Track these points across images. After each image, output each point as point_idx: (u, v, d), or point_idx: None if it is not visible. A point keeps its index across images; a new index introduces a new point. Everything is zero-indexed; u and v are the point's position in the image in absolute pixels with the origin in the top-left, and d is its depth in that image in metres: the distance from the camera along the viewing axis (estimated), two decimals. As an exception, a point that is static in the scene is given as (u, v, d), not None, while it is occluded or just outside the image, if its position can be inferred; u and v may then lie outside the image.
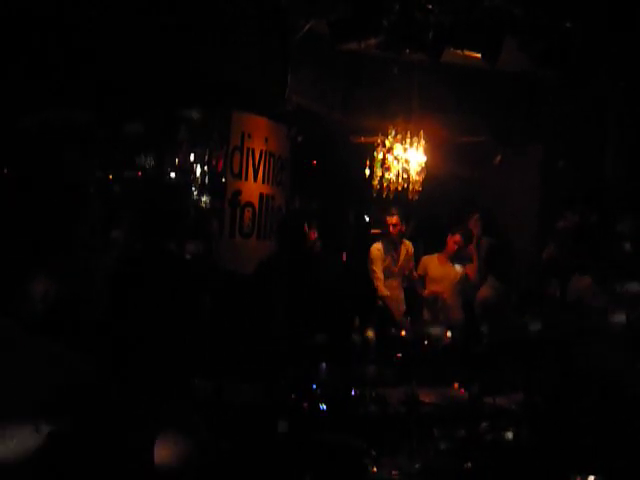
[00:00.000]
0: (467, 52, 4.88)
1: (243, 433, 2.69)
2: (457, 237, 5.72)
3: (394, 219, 5.71)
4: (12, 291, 1.28)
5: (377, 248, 5.81)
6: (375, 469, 2.68)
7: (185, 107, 5.51)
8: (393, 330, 4.74)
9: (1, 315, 1.23)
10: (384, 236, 5.91)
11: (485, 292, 4.84)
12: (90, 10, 4.23)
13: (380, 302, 5.50)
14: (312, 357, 3.33)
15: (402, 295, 5.83)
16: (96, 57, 4.36)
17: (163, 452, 1.45)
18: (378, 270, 5.67)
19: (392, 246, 5.82)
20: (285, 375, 3.18)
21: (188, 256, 3.88)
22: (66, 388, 1.19)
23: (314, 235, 5.47)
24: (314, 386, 3.14)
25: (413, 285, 5.94)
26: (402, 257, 5.87)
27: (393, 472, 2.68)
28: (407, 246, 5.90)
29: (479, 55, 4.85)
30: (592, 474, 2.23)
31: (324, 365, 3.25)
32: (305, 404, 3.02)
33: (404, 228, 5.82)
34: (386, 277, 5.72)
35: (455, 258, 5.80)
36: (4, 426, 1.13)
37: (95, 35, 4.29)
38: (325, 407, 3.03)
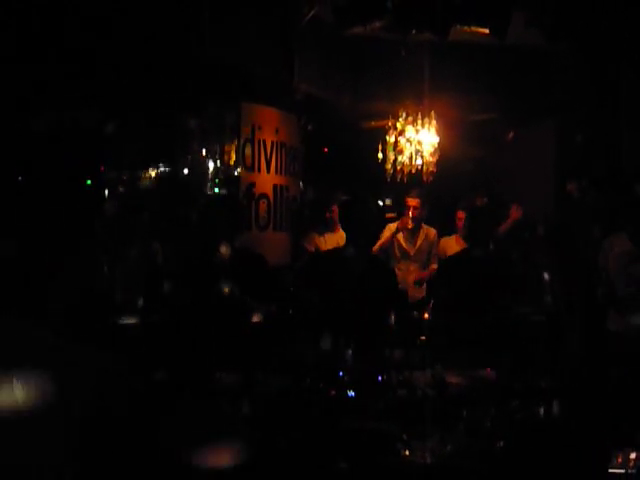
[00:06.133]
0: (475, 28, 4.82)
1: (275, 424, 2.69)
2: (459, 213, 5.59)
3: (415, 201, 5.50)
4: (37, 294, 1.27)
5: (389, 228, 5.69)
6: (407, 453, 2.66)
7: (194, 102, 5.50)
8: (415, 313, 4.70)
9: (29, 321, 1.23)
10: (399, 218, 5.81)
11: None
12: (96, 8, 4.22)
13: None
14: (337, 344, 3.32)
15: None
16: (102, 55, 4.35)
17: (215, 453, 1.45)
18: (380, 242, 5.51)
19: (410, 230, 5.66)
20: (311, 364, 3.18)
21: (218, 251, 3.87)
22: (100, 390, 1.19)
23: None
24: (340, 373, 3.13)
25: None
26: (420, 241, 5.75)
27: (425, 455, 2.67)
28: (427, 231, 5.72)
29: (487, 31, 4.78)
30: (634, 450, 2.20)
31: (350, 351, 3.24)
32: (333, 392, 3.02)
33: (424, 212, 5.60)
34: (402, 259, 5.62)
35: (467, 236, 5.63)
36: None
37: (101, 33, 4.28)
38: (353, 394, 3.02)
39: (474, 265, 4.53)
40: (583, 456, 2.37)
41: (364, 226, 4.05)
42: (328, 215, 5.49)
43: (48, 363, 1.19)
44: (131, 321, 3.86)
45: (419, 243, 5.71)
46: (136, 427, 1.26)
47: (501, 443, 2.74)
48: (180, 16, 4.84)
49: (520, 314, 4.03)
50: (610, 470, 2.22)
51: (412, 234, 5.67)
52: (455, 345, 3.83)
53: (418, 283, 5.63)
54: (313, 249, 5.48)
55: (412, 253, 5.70)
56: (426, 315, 4.82)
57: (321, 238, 5.55)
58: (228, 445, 1.60)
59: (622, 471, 2.23)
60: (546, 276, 4.54)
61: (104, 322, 3.34)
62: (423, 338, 4.03)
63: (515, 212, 5.85)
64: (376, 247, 5.38)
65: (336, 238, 5.44)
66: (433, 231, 5.72)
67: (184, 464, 1.37)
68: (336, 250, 4.57)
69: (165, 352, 3.35)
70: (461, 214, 5.55)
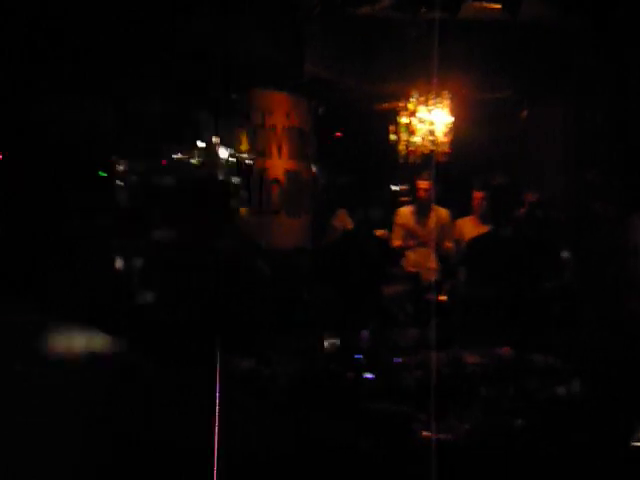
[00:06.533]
0: (487, 5, 4.73)
1: (292, 406, 2.68)
2: (476, 194, 5.53)
3: (425, 183, 5.50)
4: (42, 282, 1.26)
5: (399, 213, 5.66)
6: (426, 433, 2.65)
7: (203, 89, 5.47)
8: (432, 296, 4.66)
9: (34, 310, 1.22)
10: (414, 202, 5.77)
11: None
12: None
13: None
14: (354, 326, 3.30)
15: (434, 265, 5.64)
16: (111, 43, 4.34)
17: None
18: (394, 235, 5.50)
19: (421, 212, 5.64)
20: (328, 346, 3.17)
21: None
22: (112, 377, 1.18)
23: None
24: (357, 355, 3.12)
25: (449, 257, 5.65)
26: (432, 223, 5.69)
27: (444, 435, 2.65)
28: (439, 212, 5.64)
29: (499, 7, 4.69)
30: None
31: (366, 333, 3.22)
32: (350, 374, 3.00)
33: (433, 194, 5.52)
34: (414, 242, 5.57)
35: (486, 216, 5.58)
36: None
37: (104, 20, 4.27)
38: (370, 375, 3.00)
39: (502, 246, 4.49)
40: (604, 431, 2.34)
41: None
42: None
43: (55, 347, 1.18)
44: (145, 308, 3.86)
45: (431, 224, 5.65)
46: (144, 412, 1.25)
47: (519, 421, 2.71)
48: (187, 2, 4.81)
49: (541, 293, 3.99)
50: (633, 444, 2.19)
51: (423, 216, 5.63)
52: (474, 325, 3.81)
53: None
54: (342, 227, 5.48)
55: (425, 235, 5.64)
56: (443, 297, 4.79)
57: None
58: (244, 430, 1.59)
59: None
60: (566, 255, 4.48)
61: (118, 309, 3.34)
62: (440, 320, 4.01)
63: (531, 196, 5.78)
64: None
65: None
66: (444, 211, 5.66)
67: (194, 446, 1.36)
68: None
69: (181, 338, 3.35)
70: (478, 194, 5.49)
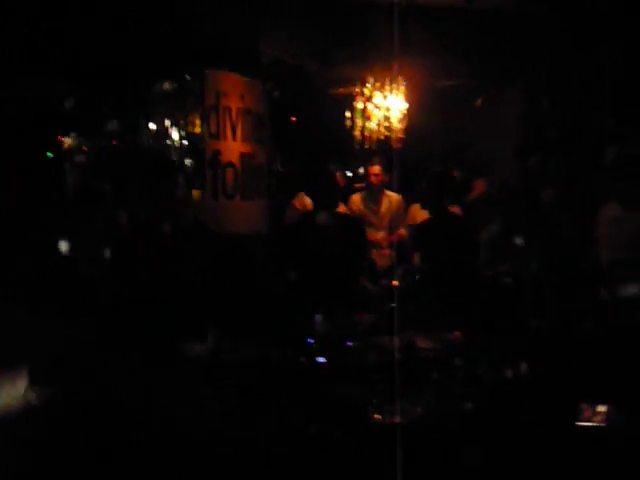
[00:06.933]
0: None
1: (244, 391, 2.66)
2: None
3: (375, 168, 5.52)
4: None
5: (351, 200, 5.65)
6: (378, 417, 2.66)
7: (157, 69, 5.35)
8: (385, 281, 4.68)
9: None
10: (366, 188, 5.78)
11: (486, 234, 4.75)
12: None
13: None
14: (306, 310, 3.29)
15: (388, 251, 5.60)
16: (63, 20, 4.19)
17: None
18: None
19: (372, 197, 5.65)
20: (280, 330, 3.15)
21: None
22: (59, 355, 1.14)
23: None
24: (310, 340, 3.11)
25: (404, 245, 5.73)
26: (383, 209, 5.72)
27: (396, 418, 2.67)
28: (390, 197, 5.68)
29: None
30: (600, 403, 2.22)
31: (319, 317, 3.21)
32: (303, 358, 3.00)
33: (385, 178, 5.59)
34: (367, 227, 5.57)
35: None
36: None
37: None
38: (323, 359, 3.00)
39: (444, 230, 4.54)
40: (551, 413, 2.40)
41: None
42: None
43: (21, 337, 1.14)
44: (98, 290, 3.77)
45: (382, 210, 5.68)
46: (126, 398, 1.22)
47: (470, 404, 2.76)
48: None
49: (489, 277, 4.05)
50: (578, 424, 2.25)
51: (374, 201, 5.65)
52: (425, 310, 3.84)
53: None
54: (302, 208, 5.42)
55: (376, 220, 5.67)
56: (395, 282, 4.82)
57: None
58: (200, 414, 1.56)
59: (590, 424, 2.25)
60: (518, 241, 4.55)
61: (72, 293, 3.25)
62: (393, 305, 4.03)
63: (479, 185, 5.86)
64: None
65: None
66: (396, 196, 5.69)
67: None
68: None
69: (132, 324, 3.28)
70: None
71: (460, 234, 4.56)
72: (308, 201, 5.42)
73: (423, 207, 5.20)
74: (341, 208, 5.21)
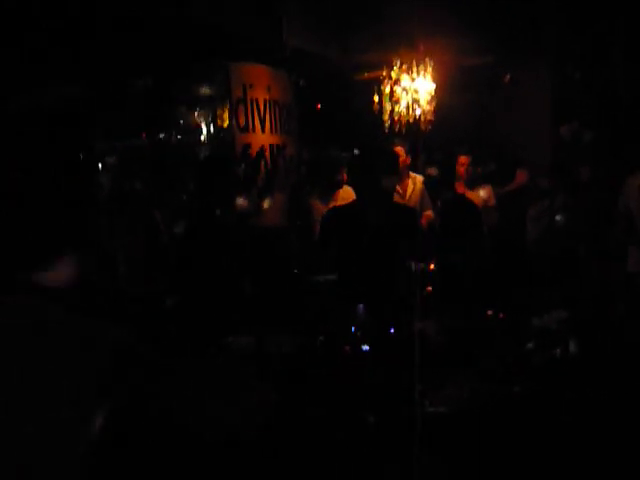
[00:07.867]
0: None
1: (290, 383, 2.68)
2: (462, 159, 5.47)
3: (399, 150, 5.43)
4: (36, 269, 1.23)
5: None
6: (425, 403, 2.67)
7: (182, 65, 5.37)
8: (421, 265, 4.65)
9: (35, 296, 1.19)
10: None
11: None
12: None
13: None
14: (348, 299, 3.29)
15: None
16: (86, 22, 4.22)
17: (220, 409, 1.43)
18: None
19: (397, 180, 5.53)
20: (324, 321, 3.16)
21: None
22: (114, 361, 1.16)
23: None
24: (353, 328, 3.11)
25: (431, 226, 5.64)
26: (409, 192, 5.64)
27: (443, 404, 2.67)
28: (415, 180, 5.54)
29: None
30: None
31: (361, 306, 3.21)
32: (347, 347, 3.00)
33: (409, 160, 5.44)
34: None
35: (471, 182, 5.54)
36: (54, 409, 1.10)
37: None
38: (367, 348, 3.00)
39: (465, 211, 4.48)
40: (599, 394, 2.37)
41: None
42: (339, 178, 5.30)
43: (63, 339, 1.16)
44: (137, 292, 3.84)
45: (409, 192, 5.60)
46: (152, 397, 1.24)
47: (517, 388, 2.74)
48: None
49: (528, 256, 4.01)
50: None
51: (400, 185, 5.56)
52: (460, 293, 3.82)
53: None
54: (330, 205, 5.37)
55: (402, 203, 5.59)
56: (432, 266, 4.79)
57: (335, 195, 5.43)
58: (245, 406, 1.58)
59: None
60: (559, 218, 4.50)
61: (111, 295, 3.31)
62: (430, 289, 4.01)
63: (520, 175, 5.75)
64: None
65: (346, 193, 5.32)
66: (420, 178, 5.58)
67: (197, 430, 1.36)
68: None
69: (176, 319, 3.34)
70: (463, 159, 5.45)
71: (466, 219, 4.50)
72: (337, 197, 5.35)
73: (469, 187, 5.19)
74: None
